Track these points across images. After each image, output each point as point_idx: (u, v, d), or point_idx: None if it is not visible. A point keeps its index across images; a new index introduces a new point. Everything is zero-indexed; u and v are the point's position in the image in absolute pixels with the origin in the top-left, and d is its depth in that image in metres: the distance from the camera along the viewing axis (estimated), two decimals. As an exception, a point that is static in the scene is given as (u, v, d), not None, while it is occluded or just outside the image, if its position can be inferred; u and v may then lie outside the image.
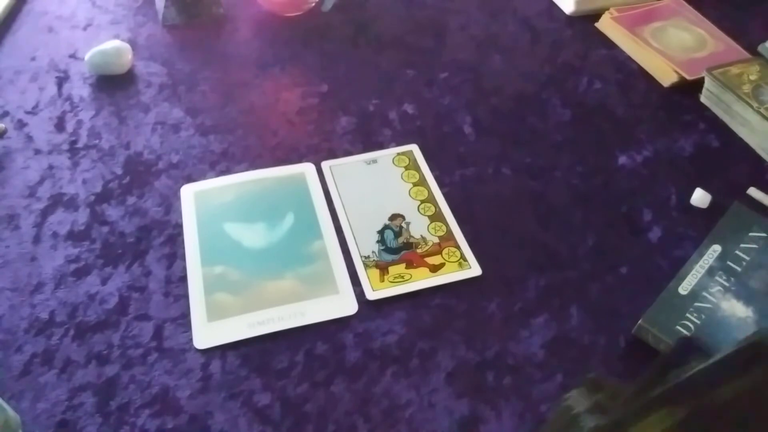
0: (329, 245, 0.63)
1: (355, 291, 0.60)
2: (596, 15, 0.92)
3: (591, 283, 0.62)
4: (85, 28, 0.86)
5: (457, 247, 0.63)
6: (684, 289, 0.59)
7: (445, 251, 0.63)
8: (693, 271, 0.60)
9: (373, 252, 0.63)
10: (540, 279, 0.62)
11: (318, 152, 0.72)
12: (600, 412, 0.27)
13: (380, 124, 0.76)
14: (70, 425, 0.50)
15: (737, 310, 0.57)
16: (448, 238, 0.64)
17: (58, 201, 0.66)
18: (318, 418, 0.51)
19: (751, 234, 0.63)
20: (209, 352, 0.55)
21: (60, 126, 0.73)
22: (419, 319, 0.58)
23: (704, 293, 0.58)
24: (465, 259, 0.62)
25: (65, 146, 0.71)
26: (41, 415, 0.50)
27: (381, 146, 0.73)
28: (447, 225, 0.65)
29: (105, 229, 0.63)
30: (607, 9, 0.91)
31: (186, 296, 0.58)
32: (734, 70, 0.80)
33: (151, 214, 0.65)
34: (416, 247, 0.63)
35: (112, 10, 0.89)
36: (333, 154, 0.72)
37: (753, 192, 0.70)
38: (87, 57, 0.77)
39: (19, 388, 0.52)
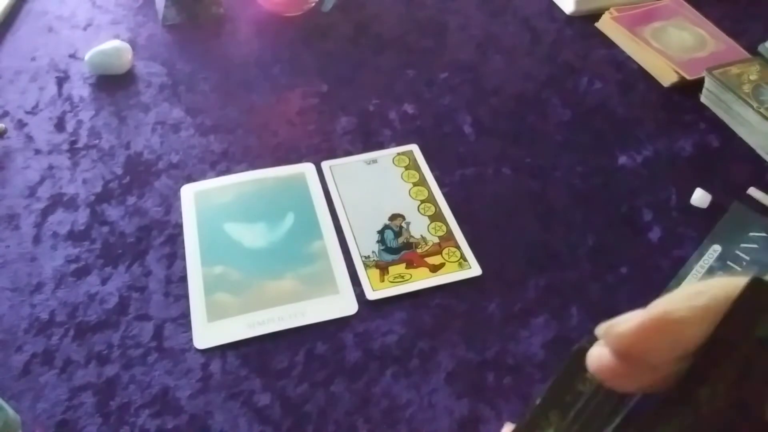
0: (329, 245, 0.63)
1: (355, 291, 0.59)
2: (596, 15, 0.92)
3: (591, 283, 0.62)
4: (85, 28, 0.86)
5: (457, 247, 0.63)
6: (684, 289, 0.59)
7: (445, 251, 0.63)
8: (693, 271, 0.60)
9: (373, 252, 0.62)
10: (540, 279, 0.62)
11: (318, 152, 0.72)
12: None
13: (380, 124, 0.76)
14: (70, 425, 0.50)
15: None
16: (448, 238, 0.64)
17: (58, 201, 0.65)
18: (318, 418, 0.51)
19: (751, 234, 0.63)
20: (209, 352, 0.55)
21: (60, 126, 0.73)
22: (419, 319, 0.58)
23: (704, 293, 0.58)
24: (465, 259, 0.62)
25: (65, 146, 0.71)
26: (41, 415, 0.50)
27: (381, 146, 0.73)
28: (447, 225, 0.65)
29: (105, 229, 0.63)
30: (607, 9, 0.91)
31: (186, 296, 0.58)
32: (734, 70, 0.80)
33: (151, 214, 0.65)
34: (416, 247, 0.63)
35: (112, 10, 0.89)
36: (333, 154, 0.72)
37: (753, 192, 0.70)
38: (87, 57, 0.77)
39: (19, 388, 0.52)
